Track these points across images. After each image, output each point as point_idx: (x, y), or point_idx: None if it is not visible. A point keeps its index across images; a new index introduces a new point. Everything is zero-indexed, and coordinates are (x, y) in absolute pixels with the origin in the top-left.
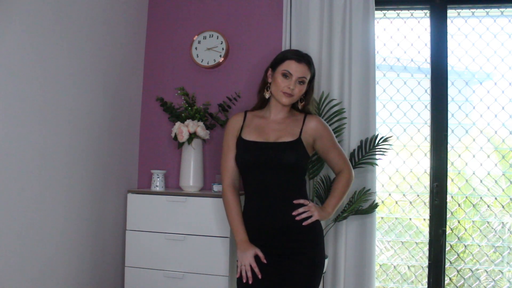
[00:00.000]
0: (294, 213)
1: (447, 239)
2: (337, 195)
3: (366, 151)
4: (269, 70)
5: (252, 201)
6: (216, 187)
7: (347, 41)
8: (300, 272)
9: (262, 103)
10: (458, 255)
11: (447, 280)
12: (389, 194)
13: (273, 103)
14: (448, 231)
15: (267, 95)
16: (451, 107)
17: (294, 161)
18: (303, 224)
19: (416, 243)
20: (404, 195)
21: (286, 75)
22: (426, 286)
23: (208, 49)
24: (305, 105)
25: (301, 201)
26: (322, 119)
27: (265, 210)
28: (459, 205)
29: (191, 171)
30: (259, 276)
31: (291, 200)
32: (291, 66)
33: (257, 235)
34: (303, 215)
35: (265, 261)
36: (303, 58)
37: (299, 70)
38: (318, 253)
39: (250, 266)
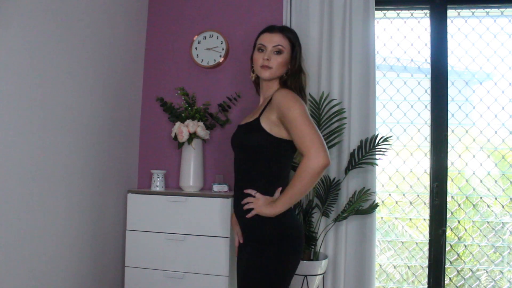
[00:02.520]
0: (242, 202)
1: (447, 239)
2: (288, 189)
3: (366, 151)
4: (252, 54)
5: None
6: (216, 187)
7: (347, 41)
8: (242, 263)
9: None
10: (458, 255)
11: (447, 280)
12: (389, 194)
13: (260, 83)
14: (448, 231)
15: (253, 77)
16: (451, 107)
17: (246, 143)
18: (246, 216)
19: (416, 243)
20: (404, 195)
21: (261, 48)
22: (426, 286)
23: (208, 49)
24: (286, 79)
25: (249, 191)
26: (287, 91)
27: (234, 194)
28: (459, 205)
29: (191, 171)
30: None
31: (244, 187)
32: (264, 38)
33: None
34: (245, 207)
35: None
36: (276, 27)
37: (273, 40)
38: (259, 244)
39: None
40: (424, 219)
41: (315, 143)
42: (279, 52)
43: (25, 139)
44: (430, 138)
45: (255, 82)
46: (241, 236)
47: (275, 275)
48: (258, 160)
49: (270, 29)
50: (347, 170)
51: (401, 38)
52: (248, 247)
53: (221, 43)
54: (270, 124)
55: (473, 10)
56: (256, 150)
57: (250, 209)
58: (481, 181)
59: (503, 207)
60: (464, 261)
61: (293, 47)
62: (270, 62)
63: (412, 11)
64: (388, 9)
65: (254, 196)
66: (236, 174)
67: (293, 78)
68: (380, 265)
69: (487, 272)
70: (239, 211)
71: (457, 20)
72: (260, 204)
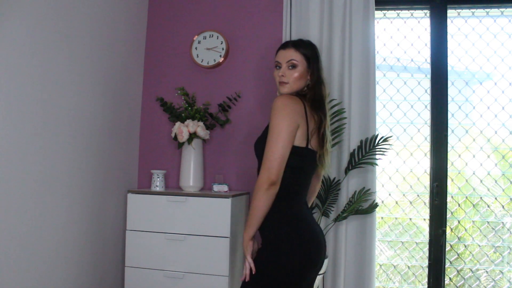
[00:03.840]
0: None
1: (447, 239)
2: (250, 209)
3: (366, 151)
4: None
5: None
6: (216, 187)
7: (347, 41)
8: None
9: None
10: (458, 255)
11: (447, 280)
12: (389, 194)
13: None
14: (448, 231)
15: (279, 93)
16: (451, 107)
17: (256, 149)
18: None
19: (416, 243)
20: (404, 195)
21: (277, 65)
22: (426, 286)
23: (208, 49)
24: (306, 90)
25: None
26: (277, 100)
27: None
28: (459, 205)
29: (191, 171)
30: None
31: None
32: (278, 55)
33: None
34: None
35: None
36: (288, 43)
37: (285, 56)
38: (262, 254)
39: None
40: (424, 219)
41: (265, 160)
42: (293, 66)
43: (25, 139)
44: (430, 138)
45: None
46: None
47: (265, 273)
48: None
49: (284, 45)
50: (347, 170)
51: (401, 38)
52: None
53: (221, 43)
54: None
55: (473, 10)
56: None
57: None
58: (481, 181)
59: (503, 207)
60: (464, 261)
61: (308, 61)
62: (285, 77)
63: (412, 11)
64: (388, 9)
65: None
66: None
67: (312, 91)
68: (380, 265)
69: (487, 272)
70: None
71: (457, 20)
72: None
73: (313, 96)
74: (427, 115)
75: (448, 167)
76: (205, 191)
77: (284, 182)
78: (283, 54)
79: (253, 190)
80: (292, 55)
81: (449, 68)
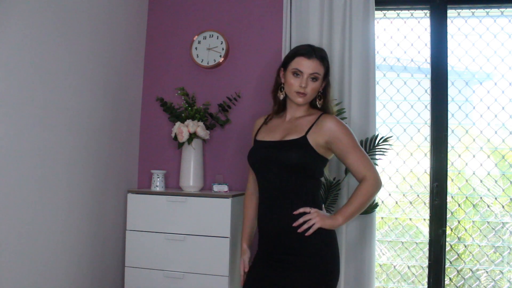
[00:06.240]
0: (294, 225)
1: (447, 239)
2: (353, 202)
3: (366, 151)
4: (281, 70)
5: (261, 202)
6: (216, 187)
7: (347, 41)
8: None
9: (280, 105)
10: (458, 255)
11: (447, 280)
12: (389, 194)
13: (289, 102)
14: (448, 231)
15: (281, 96)
16: (451, 107)
17: (295, 160)
18: (305, 235)
19: (416, 243)
20: (404, 195)
21: (296, 73)
22: (426, 286)
23: (208, 49)
24: (323, 103)
25: (301, 210)
26: (338, 119)
27: (267, 212)
28: (459, 205)
29: (191, 171)
30: (241, 283)
31: (292, 204)
32: (301, 63)
33: (262, 238)
34: (304, 226)
35: (242, 272)
36: (314, 52)
37: (310, 66)
38: (323, 270)
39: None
40: (424, 219)
41: (374, 168)
42: (315, 79)
43: (25, 139)
44: (430, 138)
45: (278, 98)
46: (247, 265)
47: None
48: (305, 176)
49: (309, 54)
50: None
51: (401, 38)
52: (296, 262)
53: (221, 43)
54: (316, 145)
55: (473, 10)
56: (302, 166)
57: (307, 229)
58: (481, 181)
59: (503, 207)
60: (464, 261)
61: (326, 72)
62: (305, 88)
63: (412, 11)
64: (388, 9)
65: (308, 213)
66: (274, 191)
67: (330, 103)
68: (380, 265)
69: (487, 272)
70: (282, 227)
71: (457, 20)
72: (322, 217)
73: (326, 103)
74: (427, 115)
75: (448, 167)
76: (205, 191)
77: (320, 190)
78: (308, 64)
79: (365, 192)
80: (317, 67)
81: (449, 68)
